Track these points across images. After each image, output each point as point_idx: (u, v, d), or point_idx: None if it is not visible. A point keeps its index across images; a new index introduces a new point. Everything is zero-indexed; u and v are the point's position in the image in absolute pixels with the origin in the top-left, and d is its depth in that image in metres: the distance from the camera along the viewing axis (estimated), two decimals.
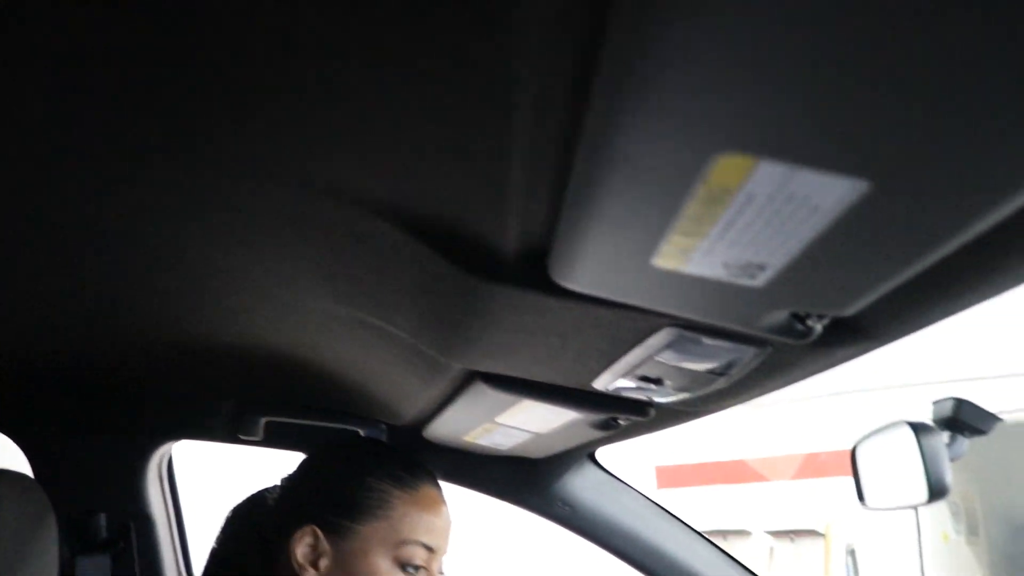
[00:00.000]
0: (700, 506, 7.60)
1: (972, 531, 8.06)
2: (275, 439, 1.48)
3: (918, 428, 0.79)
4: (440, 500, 1.07)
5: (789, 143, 0.38)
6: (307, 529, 1.02)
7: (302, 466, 1.13)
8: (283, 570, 1.02)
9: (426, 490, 1.06)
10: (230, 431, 1.48)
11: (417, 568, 1.01)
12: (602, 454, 1.54)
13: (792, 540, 7.83)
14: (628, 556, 1.53)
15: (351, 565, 1.00)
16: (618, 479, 1.55)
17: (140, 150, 0.58)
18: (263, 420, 1.44)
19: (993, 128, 0.37)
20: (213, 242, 0.77)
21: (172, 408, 1.51)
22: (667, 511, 1.58)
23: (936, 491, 0.77)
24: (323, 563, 1.01)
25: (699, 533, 1.60)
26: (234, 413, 1.45)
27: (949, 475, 0.77)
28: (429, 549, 1.02)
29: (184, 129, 0.55)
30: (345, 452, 1.15)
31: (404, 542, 1.01)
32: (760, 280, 0.55)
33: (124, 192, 0.66)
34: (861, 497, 0.95)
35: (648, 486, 7.43)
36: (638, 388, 0.91)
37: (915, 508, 0.82)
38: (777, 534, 7.88)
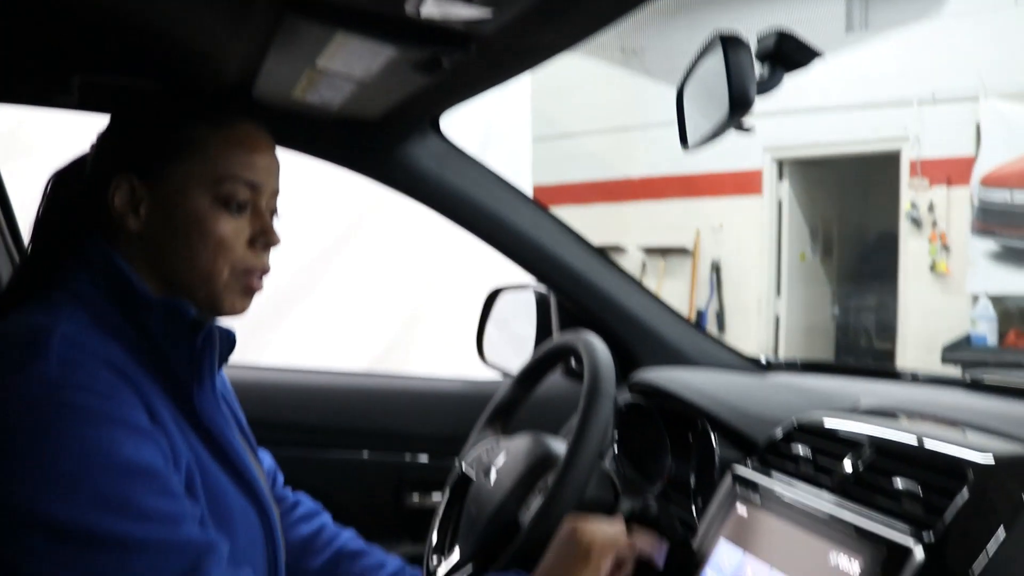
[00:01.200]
0: (577, 224, 7.82)
1: (827, 251, 8.67)
2: (91, 102, 1.37)
3: (727, 41, 0.75)
4: (259, 137, 1.02)
5: None
6: (122, 177, 0.98)
7: (112, 118, 1.06)
8: (107, 225, 0.98)
9: (242, 127, 1.01)
10: (41, 94, 1.36)
11: (241, 206, 0.99)
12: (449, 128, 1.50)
13: (663, 256, 8.26)
14: (473, 226, 1.54)
15: (170, 207, 0.97)
16: (462, 151, 1.52)
17: None
18: (76, 80, 1.32)
19: None
20: None
21: None
22: (512, 185, 1.57)
23: (738, 103, 0.75)
24: (143, 209, 0.98)
25: (543, 208, 1.61)
26: (42, 73, 1.33)
27: (754, 90, 0.76)
28: (251, 186, 0.99)
29: None
30: (153, 98, 1.08)
31: (222, 179, 0.98)
32: None
33: None
34: (684, 139, 0.94)
35: None
36: (448, 9, 0.85)
37: (723, 130, 0.81)
38: (649, 251, 8.30)
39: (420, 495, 1.73)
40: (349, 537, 1.28)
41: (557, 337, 1.31)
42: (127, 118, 1.05)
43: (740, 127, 0.81)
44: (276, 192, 1.04)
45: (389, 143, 1.44)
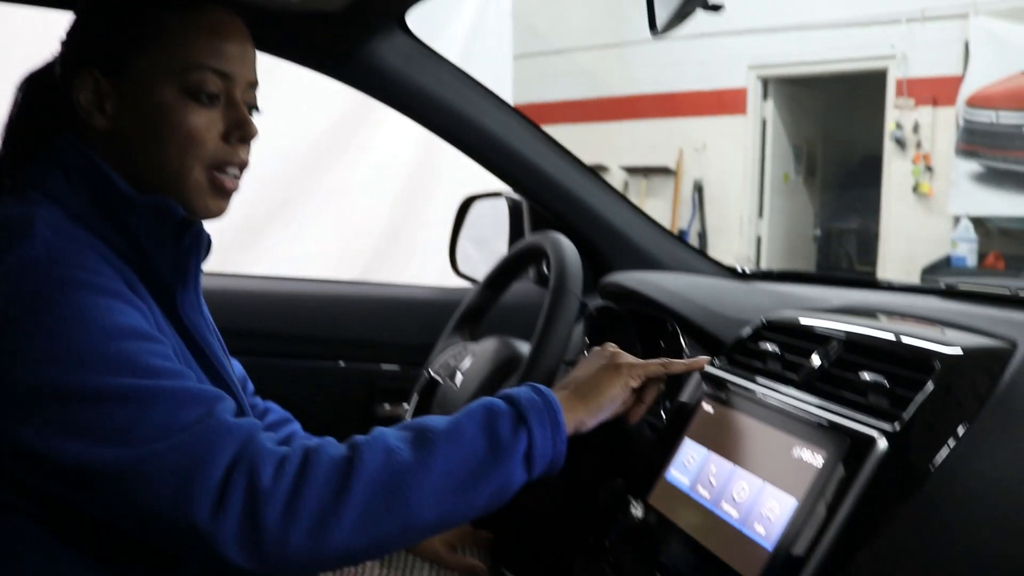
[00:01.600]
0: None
1: (810, 172, 8.63)
2: None
3: None
4: (229, 23, 0.96)
5: None
6: (86, 73, 0.93)
7: (76, 13, 1.01)
8: (77, 125, 0.94)
9: (208, 12, 0.95)
10: None
11: (212, 97, 0.93)
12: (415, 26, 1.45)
13: (646, 176, 8.20)
14: (441, 128, 1.50)
15: (136, 101, 0.93)
16: (431, 50, 1.47)
17: None
18: None
19: None
20: None
21: None
22: (482, 87, 1.52)
23: None
24: (109, 105, 0.93)
25: (514, 110, 1.57)
26: None
27: None
28: (222, 75, 0.94)
29: None
30: None
31: (188, 68, 0.92)
32: None
33: None
34: (652, 23, 0.90)
35: None
36: None
37: (691, 8, 0.76)
38: (632, 170, 8.23)
39: (391, 404, 1.72)
40: None
41: (524, 239, 1.28)
42: (87, 11, 0.99)
43: (707, 6, 0.77)
44: (253, 83, 0.98)
45: (353, 40, 1.38)
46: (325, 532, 0.80)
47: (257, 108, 0.99)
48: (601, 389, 0.95)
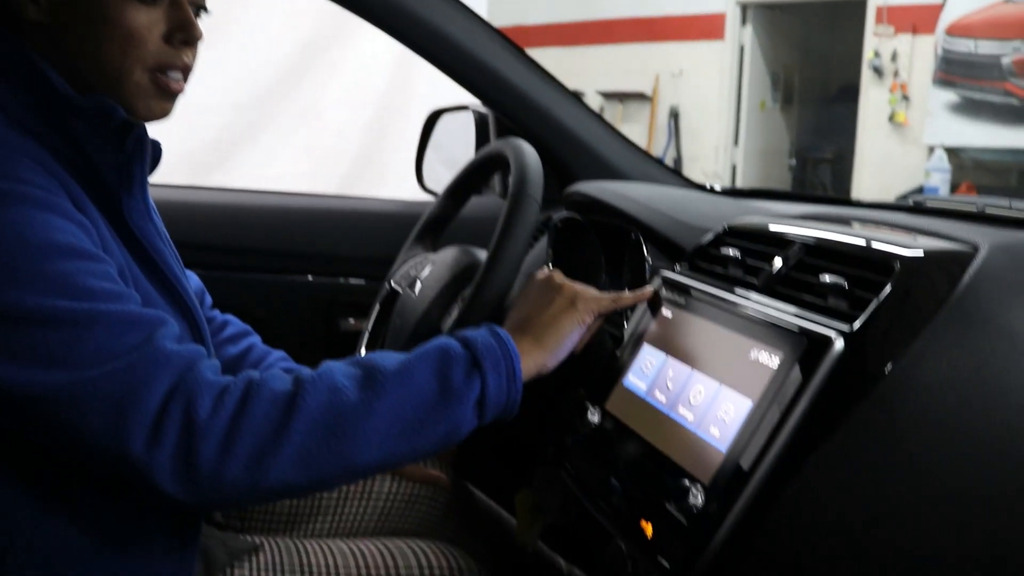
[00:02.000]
0: None
1: (787, 100, 8.56)
2: None
3: None
4: None
5: None
6: None
7: None
8: (8, 17, 0.87)
9: None
10: None
11: None
12: None
13: (621, 102, 8.11)
14: (402, 35, 1.45)
15: None
16: None
17: None
18: None
19: None
20: None
21: None
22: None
23: None
24: None
25: (477, 18, 1.51)
26: None
27: None
28: None
29: None
30: None
31: None
32: None
33: None
34: None
35: None
36: None
37: None
38: (608, 96, 8.13)
39: (355, 318, 1.70)
40: (279, 357, 1.24)
41: (486, 147, 1.25)
42: None
43: None
44: None
45: None
46: (261, 468, 0.78)
47: (206, 8, 0.93)
48: (560, 330, 0.94)
